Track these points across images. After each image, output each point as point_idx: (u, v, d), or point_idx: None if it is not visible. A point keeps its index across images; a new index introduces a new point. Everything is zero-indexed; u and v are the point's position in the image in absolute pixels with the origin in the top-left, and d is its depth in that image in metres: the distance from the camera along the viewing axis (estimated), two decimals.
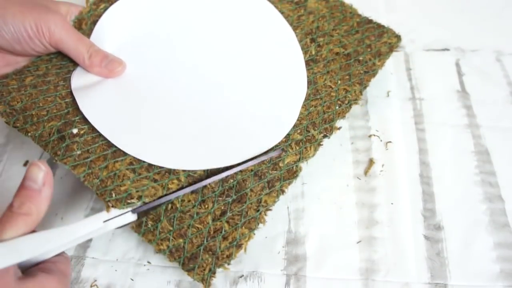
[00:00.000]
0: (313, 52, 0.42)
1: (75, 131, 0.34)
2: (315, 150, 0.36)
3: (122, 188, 0.32)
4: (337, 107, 0.39)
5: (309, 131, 0.37)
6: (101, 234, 0.30)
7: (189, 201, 0.33)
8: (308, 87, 0.39)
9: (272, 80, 0.40)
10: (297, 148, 0.36)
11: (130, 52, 0.40)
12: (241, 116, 0.37)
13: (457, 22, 0.53)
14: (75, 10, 0.40)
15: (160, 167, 0.33)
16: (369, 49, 0.42)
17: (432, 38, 0.51)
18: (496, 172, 0.40)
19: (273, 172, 0.35)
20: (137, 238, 0.37)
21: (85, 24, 0.41)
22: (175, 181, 0.33)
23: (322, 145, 0.37)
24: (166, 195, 0.32)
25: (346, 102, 0.39)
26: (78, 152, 0.33)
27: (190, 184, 0.33)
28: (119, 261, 0.36)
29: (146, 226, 0.32)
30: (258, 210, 0.33)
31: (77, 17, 0.41)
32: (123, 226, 0.31)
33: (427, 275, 0.35)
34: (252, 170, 0.34)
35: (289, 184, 0.35)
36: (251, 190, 0.34)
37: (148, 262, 0.36)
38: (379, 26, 0.45)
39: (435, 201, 0.38)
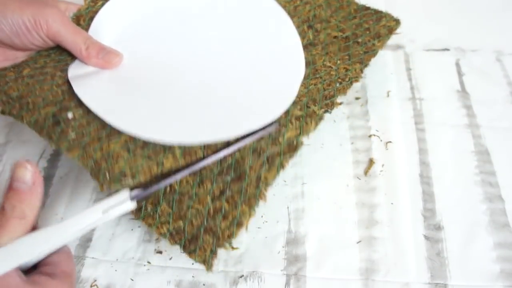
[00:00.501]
0: (311, 37, 0.43)
1: (70, 115, 0.34)
2: (316, 124, 0.36)
3: (116, 168, 0.31)
4: (337, 85, 0.39)
5: (309, 107, 0.37)
6: (101, 224, 0.30)
7: (187, 182, 0.33)
8: (307, 67, 0.40)
9: (269, 60, 0.40)
10: (297, 123, 0.36)
11: (127, 45, 0.40)
12: (238, 92, 0.37)
13: (457, 22, 0.53)
14: (73, 8, 0.41)
15: (155, 145, 0.33)
16: (368, 32, 0.43)
17: (432, 38, 0.51)
18: (496, 172, 0.40)
19: (273, 147, 0.34)
20: (137, 238, 0.37)
21: (83, 20, 0.41)
22: (170, 157, 0.32)
23: (323, 119, 0.37)
24: (164, 178, 0.31)
25: (347, 79, 0.40)
26: (73, 136, 0.33)
27: (187, 164, 0.33)
28: (119, 261, 0.36)
29: (146, 210, 0.32)
30: (258, 187, 0.33)
31: (75, 13, 0.41)
32: (123, 214, 0.30)
33: (427, 275, 0.35)
34: (251, 147, 0.34)
35: (289, 158, 0.34)
36: (250, 168, 0.33)
37: (148, 262, 0.36)
38: (377, 12, 0.46)
39: (435, 201, 0.38)
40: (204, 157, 0.33)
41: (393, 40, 0.46)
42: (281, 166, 0.34)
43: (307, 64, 0.40)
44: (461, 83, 0.47)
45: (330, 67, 0.41)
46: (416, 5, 0.55)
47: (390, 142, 0.42)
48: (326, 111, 0.38)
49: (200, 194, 0.33)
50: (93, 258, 0.36)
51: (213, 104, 0.36)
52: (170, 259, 0.36)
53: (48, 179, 0.41)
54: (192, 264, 0.35)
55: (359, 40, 0.43)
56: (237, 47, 0.41)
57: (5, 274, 0.24)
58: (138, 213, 0.32)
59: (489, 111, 0.44)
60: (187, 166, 0.32)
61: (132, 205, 0.30)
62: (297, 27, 0.43)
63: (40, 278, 0.26)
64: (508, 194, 0.39)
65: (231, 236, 0.31)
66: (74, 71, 0.38)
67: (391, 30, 0.44)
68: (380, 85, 0.46)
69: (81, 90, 0.35)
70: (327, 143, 0.42)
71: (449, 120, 0.44)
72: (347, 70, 0.40)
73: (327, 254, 0.36)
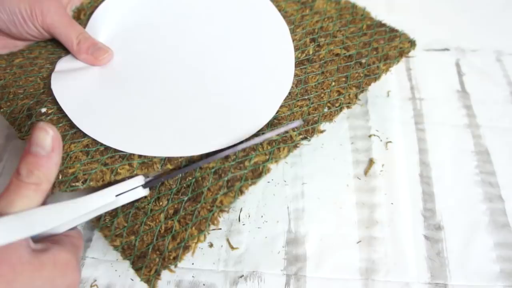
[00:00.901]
0: (311, 52, 0.40)
1: (43, 110, 0.34)
2: (289, 151, 0.33)
3: (70, 171, 0.31)
4: (325, 109, 0.36)
5: (287, 132, 0.34)
6: (112, 208, 0.30)
7: (145, 197, 0.32)
8: (297, 86, 0.37)
9: (255, 75, 0.38)
10: (269, 147, 0.33)
11: (121, 43, 0.40)
12: (212, 108, 0.36)
13: (457, 22, 0.53)
14: (77, 1, 0.41)
15: (115, 152, 0.32)
16: (375, 52, 0.40)
17: (432, 38, 0.51)
18: (496, 172, 0.40)
19: (236, 171, 0.32)
20: None
21: (83, 14, 0.41)
22: (127, 166, 0.32)
23: (298, 147, 0.34)
24: (179, 168, 0.31)
25: (337, 105, 0.36)
26: None
27: (207, 154, 0.32)
28: (119, 261, 0.36)
29: (104, 221, 0.32)
30: (211, 211, 0.31)
31: (78, 7, 0.41)
32: (134, 201, 0.30)
33: (427, 275, 0.35)
34: (213, 168, 0.32)
35: (250, 185, 0.32)
36: (208, 189, 0.32)
37: None
38: (392, 30, 0.42)
39: (435, 201, 0.38)
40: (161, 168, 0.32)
41: None
42: (240, 192, 0.32)
43: (299, 83, 0.38)
44: (461, 83, 0.47)
45: (322, 88, 0.37)
46: (416, 5, 0.55)
47: (390, 142, 0.42)
48: (304, 138, 0.34)
49: (154, 211, 0.32)
50: (93, 258, 0.36)
51: (183, 118, 0.35)
52: None
53: None
54: (192, 264, 0.35)
55: (363, 61, 0.39)
56: (227, 59, 0.39)
57: (15, 243, 0.23)
58: (97, 222, 0.32)
59: (489, 111, 0.44)
60: (207, 156, 0.32)
61: (144, 192, 0.30)
62: (299, 39, 0.40)
63: (50, 245, 0.25)
64: (508, 194, 0.39)
65: (176, 258, 0.30)
66: (63, 65, 0.38)
67: (402, 53, 0.40)
68: (380, 85, 0.46)
69: (57, 85, 0.35)
70: (327, 143, 0.42)
71: (449, 120, 0.44)
72: (340, 93, 0.37)
73: (327, 254, 0.36)
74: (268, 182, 0.40)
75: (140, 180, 0.30)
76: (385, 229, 0.37)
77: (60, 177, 0.31)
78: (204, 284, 0.34)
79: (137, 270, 0.30)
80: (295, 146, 0.34)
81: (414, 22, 0.52)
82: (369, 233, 0.37)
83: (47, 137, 0.25)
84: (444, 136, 0.43)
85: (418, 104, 0.45)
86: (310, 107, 0.36)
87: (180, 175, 0.33)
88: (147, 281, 0.30)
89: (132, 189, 0.30)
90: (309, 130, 0.35)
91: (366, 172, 0.40)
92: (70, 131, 0.33)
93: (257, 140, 0.32)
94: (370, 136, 0.43)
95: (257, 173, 0.32)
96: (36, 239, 0.26)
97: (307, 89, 0.37)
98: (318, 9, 0.43)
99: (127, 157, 0.32)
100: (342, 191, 0.39)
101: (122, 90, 0.36)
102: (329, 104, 0.37)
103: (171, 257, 0.30)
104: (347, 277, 0.35)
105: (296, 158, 0.41)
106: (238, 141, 0.33)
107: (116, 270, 0.35)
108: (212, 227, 0.37)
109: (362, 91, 0.38)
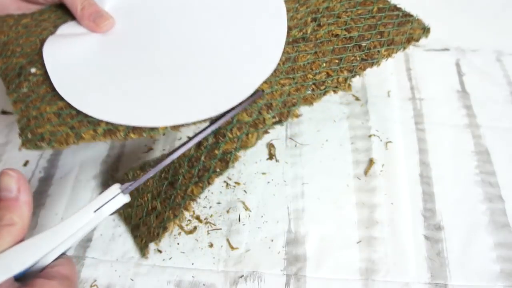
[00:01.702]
0: (308, 31, 0.37)
1: (32, 70, 0.35)
2: (258, 138, 0.32)
3: (39, 131, 0.31)
4: (308, 91, 0.34)
5: (261, 113, 0.32)
6: (97, 224, 0.29)
7: None
8: (284, 64, 0.35)
9: (242, 50, 0.37)
10: (238, 133, 0.32)
11: (123, 13, 0.40)
12: (192, 81, 0.35)
13: (457, 22, 0.53)
14: None
15: (85, 118, 0.32)
16: (379, 36, 0.37)
17: (432, 38, 0.51)
18: (496, 172, 0.40)
19: (207, 160, 0.32)
20: None
21: None
22: (91, 132, 0.31)
23: (269, 132, 0.32)
24: (152, 167, 0.31)
25: (322, 87, 0.34)
26: (25, 90, 0.34)
27: (169, 153, 0.32)
28: (119, 261, 0.36)
29: None
30: (184, 198, 0.32)
31: None
32: (118, 210, 0.30)
33: (427, 275, 0.35)
34: (188, 155, 0.33)
35: (217, 176, 0.32)
36: (183, 176, 0.33)
37: (148, 262, 0.36)
38: (406, 14, 0.39)
39: (435, 201, 0.38)
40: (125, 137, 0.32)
41: None
42: (208, 183, 0.32)
43: (287, 60, 0.35)
44: (461, 83, 0.47)
45: (311, 68, 0.35)
46: (416, 5, 0.55)
47: (390, 142, 0.42)
48: (278, 122, 0.32)
49: (143, 190, 0.35)
50: (93, 258, 0.36)
51: (159, 88, 0.34)
52: (170, 259, 0.36)
53: (48, 179, 0.41)
54: (192, 264, 0.35)
55: (363, 44, 0.36)
56: (217, 33, 0.38)
57: None
58: None
59: (489, 111, 0.45)
60: (169, 154, 0.32)
61: (125, 199, 0.30)
62: (301, 18, 0.38)
63: (36, 280, 0.25)
64: (508, 194, 0.39)
65: (159, 235, 0.33)
66: (65, 29, 0.39)
67: (410, 40, 0.38)
68: (380, 85, 0.46)
69: (49, 47, 0.36)
70: (327, 143, 0.42)
71: (449, 120, 0.44)
72: (328, 76, 0.35)
73: (327, 254, 0.36)
74: (268, 182, 0.40)
75: (116, 188, 0.30)
76: (385, 229, 0.37)
77: (29, 135, 0.31)
78: (204, 284, 0.34)
79: (135, 237, 0.36)
80: (265, 132, 0.32)
81: None
82: (369, 233, 0.37)
83: (11, 180, 0.26)
84: (444, 136, 0.43)
85: (418, 104, 0.45)
86: (292, 87, 0.34)
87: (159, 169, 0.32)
88: (140, 249, 0.35)
89: (111, 200, 0.29)
90: (284, 113, 0.33)
91: (366, 172, 0.40)
92: (51, 93, 0.34)
93: (221, 121, 0.32)
94: (370, 136, 0.43)
95: (225, 163, 0.32)
96: (22, 276, 0.26)
97: (294, 68, 0.35)
98: None
99: (95, 123, 0.32)
100: (342, 191, 0.39)
101: (109, 58, 0.37)
102: (313, 86, 0.34)
103: (155, 233, 0.33)
104: (347, 277, 0.35)
105: (296, 158, 0.41)
106: (207, 117, 0.32)
107: (116, 270, 0.35)
108: (212, 227, 0.38)
109: (354, 76, 0.35)
